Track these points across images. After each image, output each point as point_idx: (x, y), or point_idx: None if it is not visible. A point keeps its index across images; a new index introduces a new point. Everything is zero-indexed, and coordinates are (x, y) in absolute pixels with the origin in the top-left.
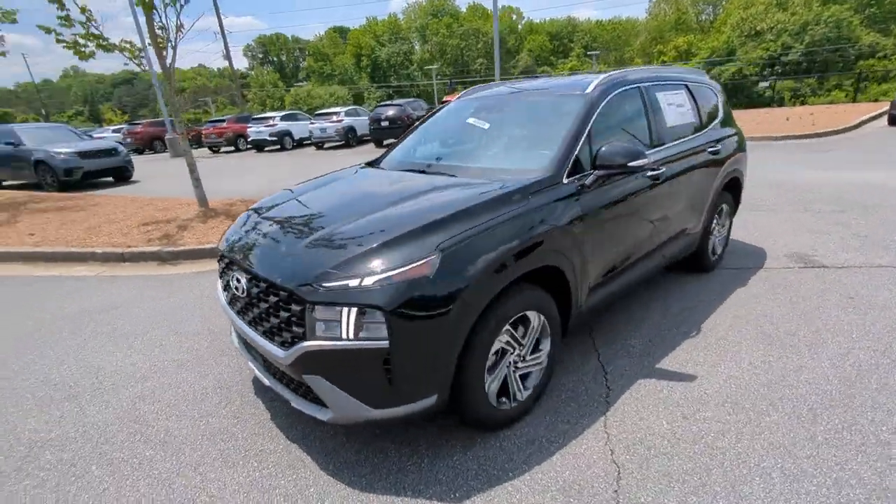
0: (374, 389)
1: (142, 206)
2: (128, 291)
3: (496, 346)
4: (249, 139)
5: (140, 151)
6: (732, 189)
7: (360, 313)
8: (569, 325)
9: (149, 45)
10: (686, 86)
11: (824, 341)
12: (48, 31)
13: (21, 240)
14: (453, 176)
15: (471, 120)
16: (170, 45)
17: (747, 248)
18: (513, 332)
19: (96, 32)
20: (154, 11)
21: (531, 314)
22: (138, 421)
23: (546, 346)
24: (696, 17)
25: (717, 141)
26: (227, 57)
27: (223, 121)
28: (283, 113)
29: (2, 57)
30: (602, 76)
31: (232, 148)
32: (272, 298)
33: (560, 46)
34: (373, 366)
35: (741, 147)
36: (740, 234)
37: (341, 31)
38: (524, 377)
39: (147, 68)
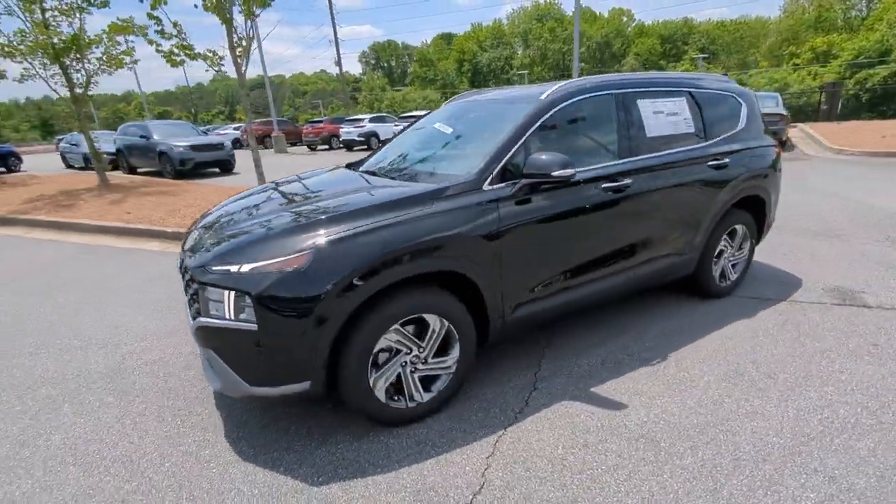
0: (251, 368)
1: (221, 193)
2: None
3: (382, 343)
4: (341, 139)
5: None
6: (753, 209)
7: (238, 297)
8: (488, 336)
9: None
10: (690, 93)
11: (805, 390)
12: (151, 42)
13: (119, 216)
14: (394, 179)
15: (437, 125)
16: (239, 51)
17: (783, 277)
18: (405, 332)
19: (185, 44)
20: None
21: (430, 317)
22: (118, 372)
23: (455, 352)
24: (842, 13)
25: (726, 154)
26: (338, 63)
27: (321, 122)
28: (372, 115)
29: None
30: (564, 83)
31: (327, 147)
32: (186, 278)
33: (672, 49)
34: (248, 346)
35: (768, 164)
36: (785, 260)
37: (448, 38)
38: (427, 380)
39: (225, 73)
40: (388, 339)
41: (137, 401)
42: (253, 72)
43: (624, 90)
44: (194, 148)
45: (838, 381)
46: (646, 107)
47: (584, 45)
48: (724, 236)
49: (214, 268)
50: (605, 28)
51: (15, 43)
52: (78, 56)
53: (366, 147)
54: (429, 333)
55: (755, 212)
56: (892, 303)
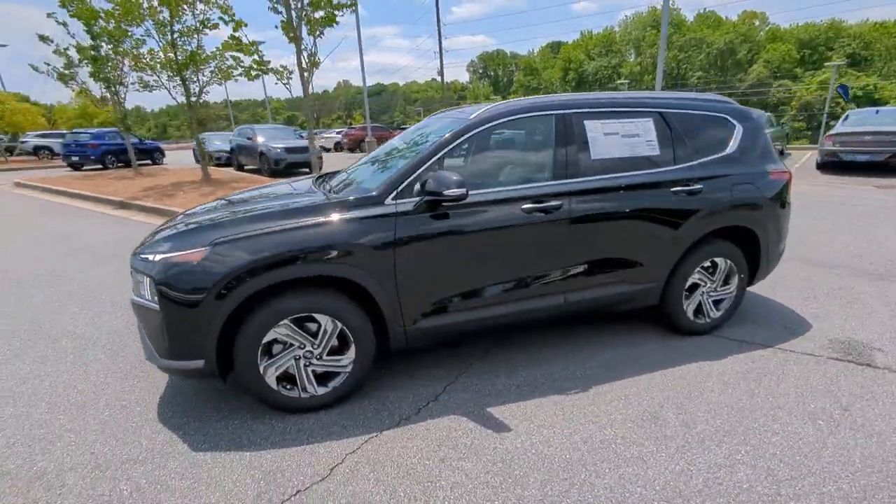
0: (160, 343)
1: None
2: None
3: (272, 335)
4: None
5: (352, 150)
6: (742, 243)
7: (151, 281)
8: (390, 344)
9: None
10: (660, 114)
11: (716, 445)
12: (235, 59)
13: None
14: (329, 191)
15: (395, 140)
16: (306, 66)
17: (790, 319)
18: (295, 328)
19: (260, 60)
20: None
21: (322, 318)
22: (124, 334)
23: (351, 353)
24: None
25: (699, 179)
26: (441, 73)
27: (405, 127)
28: None
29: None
30: (497, 103)
31: None
32: None
33: (812, 55)
34: (157, 324)
35: (762, 193)
36: (805, 301)
37: (556, 47)
38: (324, 375)
39: (288, 85)
40: (278, 332)
41: (120, 360)
42: (370, 80)
43: (567, 110)
44: (288, 150)
45: (762, 442)
46: (594, 128)
47: (702, 53)
48: (699, 269)
49: (141, 256)
50: (730, 34)
51: (147, 60)
52: (194, 69)
53: None
54: (321, 333)
55: (746, 246)
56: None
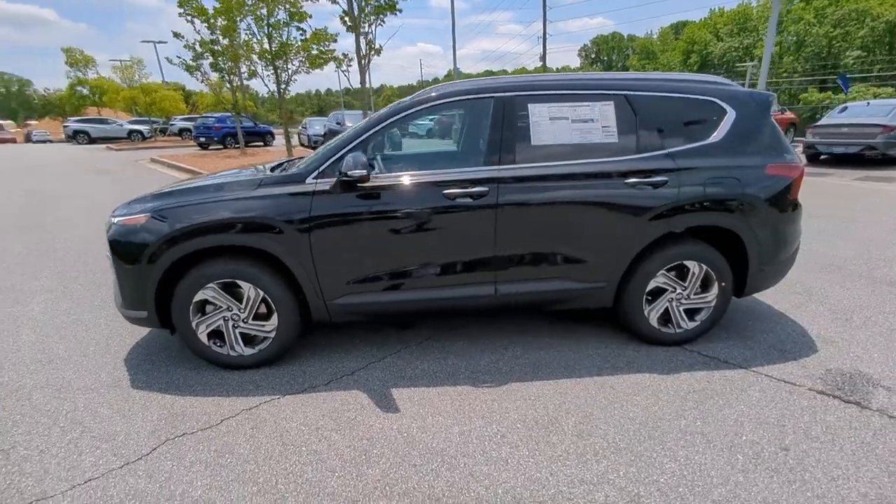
0: (120, 293)
1: None
2: None
3: (200, 296)
4: None
5: (442, 138)
6: (725, 246)
7: (107, 239)
8: (311, 314)
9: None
10: (625, 97)
11: (597, 460)
12: (307, 49)
13: None
14: (274, 170)
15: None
16: (364, 54)
17: (790, 341)
18: (221, 291)
19: (324, 49)
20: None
21: (244, 285)
22: None
23: (274, 321)
24: None
25: (665, 171)
26: (542, 58)
27: None
28: None
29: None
30: (443, 84)
31: None
32: None
33: None
34: (115, 277)
35: (752, 191)
36: (828, 321)
37: (679, 27)
38: (249, 338)
39: (347, 73)
40: (207, 294)
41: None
42: (479, 67)
43: (510, 93)
44: None
45: (651, 467)
46: (539, 112)
47: (865, 28)
48: (664, 272)
49: (110, 217)
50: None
51: (242, 52)
52: (284, 59)
53: None
54: (245, 298)
55: (730, 251)
56: None
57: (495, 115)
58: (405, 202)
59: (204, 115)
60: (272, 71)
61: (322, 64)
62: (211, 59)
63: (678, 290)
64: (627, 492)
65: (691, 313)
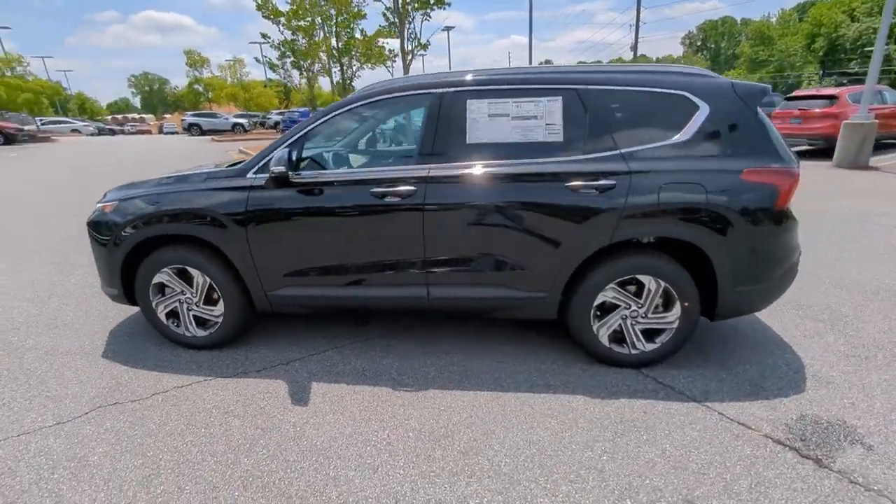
0: (98, 273)
1: None
2: None
3: (158, 279)
4: None
5: None
6: (691, 260)
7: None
8: (254, 303)
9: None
10: (575, 92)
11: (467, 482)
12: (368, 45)
13: None
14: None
15: None
16: (409, 49)
17: (772, 377)
18: (173, 276)
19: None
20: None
21: (193, 271)
22: None
23: (221, 307)
24: None
25: (616, 174)
26: (634, 48)
27: None
28: None
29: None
30: (381, 81)
31: None
32: None
33: None
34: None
35: (719, 201)
36: (837, 362)
37: (802, 9)
38: (201, 320)
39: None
40: (161, 277)
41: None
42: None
43: (446, 89)
44: None
45: (522, 498)
46: (477, 109)
47: None
48: (615, 287)
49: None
50: None
51: (315, 50)
52: (349, 56)
53: None
54: (194, 284)
55: (697, 267)
56: (869, 475)
57: (431, 111)
58: (334, 200)
59: (292, 109)
60: (338, 67)
61: (382, 60)
62: (292, 58)
63: (633, 308)
64: None
65: (650, 334)
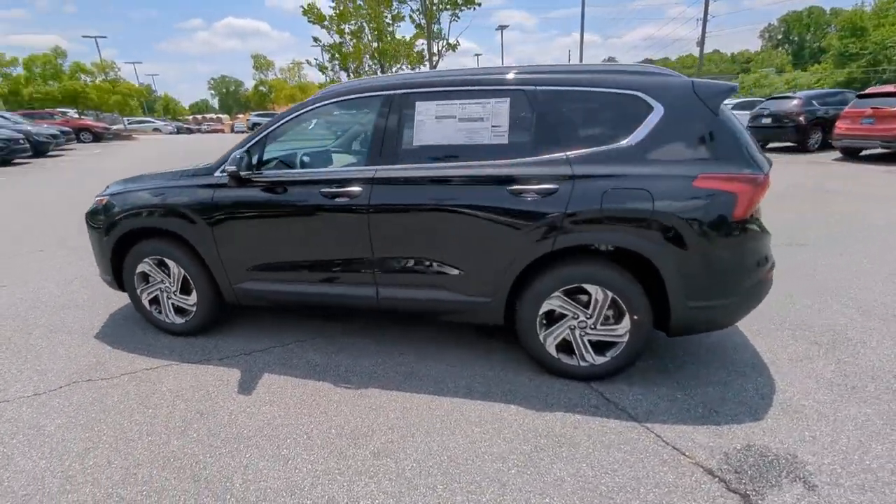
0: (96, 261)
1: None
2: None
3: (141, 268)
4: None
5: None
6: (640, 271)
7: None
8: (223, 294)
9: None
10: (523, 93)
11: (364, 481)
12: (404, 55)
13: None
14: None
15: None
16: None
17: (724, 404)
18: (153, 266)
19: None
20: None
21: (170, 262)
22: None
23: (194, 296)
24: None
25: (558, 178)
26: (700, 43)
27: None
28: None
29: None
30: (340, 84)
31: None
32: None
33: None
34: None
35: (674, 209)
36: (827, 390)
37: None
38: (177, 308)
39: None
40: (143, 267)
41: None
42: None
43: (397, 91)
44: None
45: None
46: (425, 110)
47: None
48: (560, 295)
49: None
50: None
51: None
52: (389, 59)
53: None
54: (171, 274)
55: (648, 277)
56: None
57: (382, 112)
58: (288, 199)
59: None
60: (380, 68)
61: (420, 61)
62: (339, 61)
63: (581, 318)
64: None
65: (600, 347)
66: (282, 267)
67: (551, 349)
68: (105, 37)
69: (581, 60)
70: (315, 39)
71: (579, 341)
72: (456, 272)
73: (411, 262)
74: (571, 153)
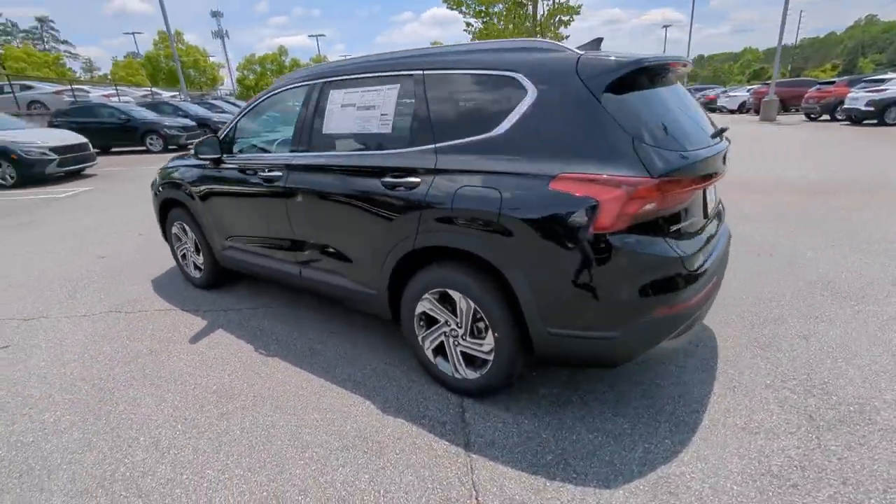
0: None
1: None
2: None
3: (174, 229)
4: (843, 107)
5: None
6: (501, 279)
7: None
8: (216, 260)
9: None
10: (412, 78)
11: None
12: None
13: None
14: None
15: None
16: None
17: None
18: (183, 229)
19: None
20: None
21: (186, 227)
22: None
23: (202, 256)
24: None
25: (419, 171)
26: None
27: (832, 83)
28: None
29: None
30: (292, 73)
31: (827, 117)
32: None
33: None
34: None
35: (523, 212)
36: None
37: None
38: (195, 266)
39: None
40: (175, 229)
41: None
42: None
43: (318, 80)
44: None
45: (223, 471)
46: (335, 99)
47: None
48: (430, 297)
49: None
50: None
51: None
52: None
53: (876, 122)
54: (188, 237)
55: (508, 297)
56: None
57: (305, 102)
58: (240, 181)
59: None
60: None
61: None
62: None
63: (452, 325)
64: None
65: (471, 361)
66: (243, 240)
67: (429, 353)
68: (323, 35)
69: (688, 49)
70: (467, 25)
71: (453, 351)
72: (349, 261)
73: (319, 247)
74: (440, 144)
